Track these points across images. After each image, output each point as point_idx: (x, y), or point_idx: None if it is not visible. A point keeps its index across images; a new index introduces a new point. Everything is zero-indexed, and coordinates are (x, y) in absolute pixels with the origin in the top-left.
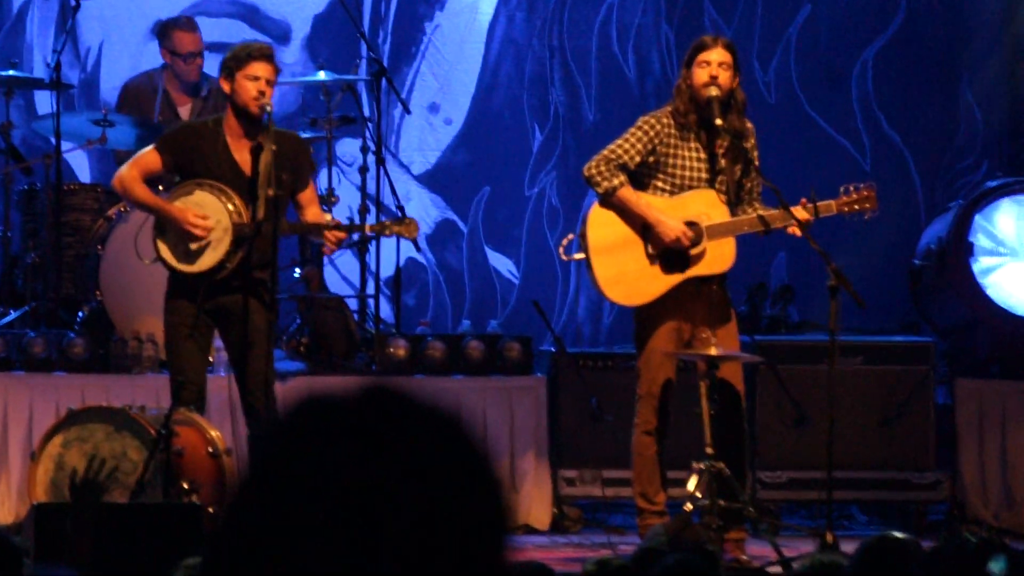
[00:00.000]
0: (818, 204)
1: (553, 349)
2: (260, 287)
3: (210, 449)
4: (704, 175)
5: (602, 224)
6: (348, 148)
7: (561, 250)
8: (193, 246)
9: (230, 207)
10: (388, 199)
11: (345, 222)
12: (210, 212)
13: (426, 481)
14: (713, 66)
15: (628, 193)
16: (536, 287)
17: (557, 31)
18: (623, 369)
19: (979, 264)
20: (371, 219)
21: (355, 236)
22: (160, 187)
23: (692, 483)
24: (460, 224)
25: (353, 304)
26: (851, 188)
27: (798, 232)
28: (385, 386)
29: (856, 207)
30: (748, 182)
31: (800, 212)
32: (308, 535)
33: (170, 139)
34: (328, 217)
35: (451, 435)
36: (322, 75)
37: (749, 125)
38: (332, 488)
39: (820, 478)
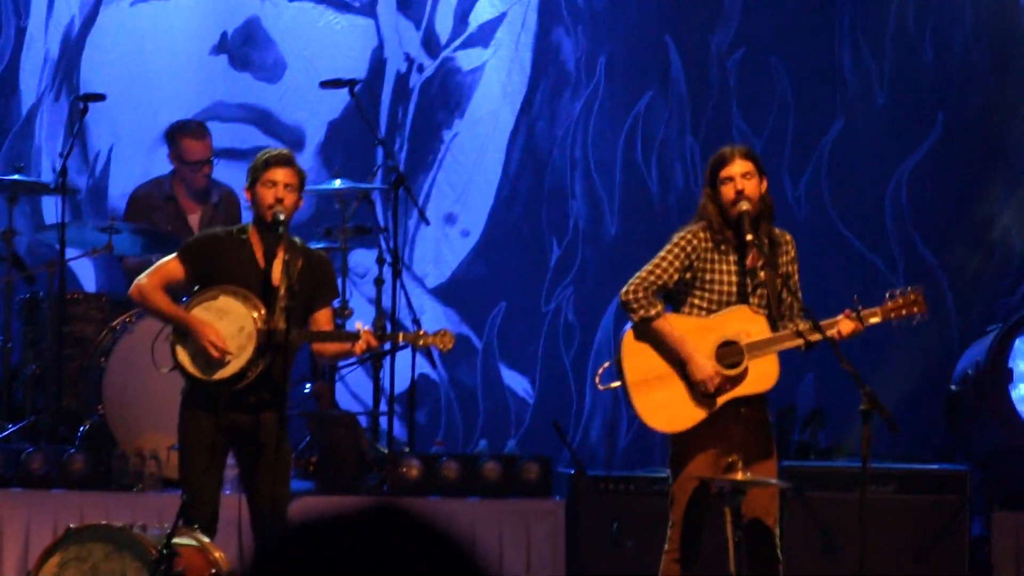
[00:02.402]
0: (863, 312)
1: (571, 471)
2: (275, 405)
3: (213, 571)
4: (740, 290)
5: (638, 354)
6: (361, 259)
7: (597, 379)
8: (215, 354)
9: (255, 314)
10: (403, 312)
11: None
12: (234, 318)
13: None
14: (737, 180)
15: (663, 324)
16: (551, 407)
17: (581, 141)
18: (645, 493)
19: (1019, 391)
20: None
21: (386, 346)
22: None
23: None
24: (475, 340)
25: (363, 421)
26: (897, 293)
27: (846, 332)
28: (393, 507)
29: (904, 312)
30: (788, 295)
31: (846, 324)
32: None
33: (192, 248)
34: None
35: (460, 560)
36: (338, 183)
37: (788, 236)
38: None
39: None
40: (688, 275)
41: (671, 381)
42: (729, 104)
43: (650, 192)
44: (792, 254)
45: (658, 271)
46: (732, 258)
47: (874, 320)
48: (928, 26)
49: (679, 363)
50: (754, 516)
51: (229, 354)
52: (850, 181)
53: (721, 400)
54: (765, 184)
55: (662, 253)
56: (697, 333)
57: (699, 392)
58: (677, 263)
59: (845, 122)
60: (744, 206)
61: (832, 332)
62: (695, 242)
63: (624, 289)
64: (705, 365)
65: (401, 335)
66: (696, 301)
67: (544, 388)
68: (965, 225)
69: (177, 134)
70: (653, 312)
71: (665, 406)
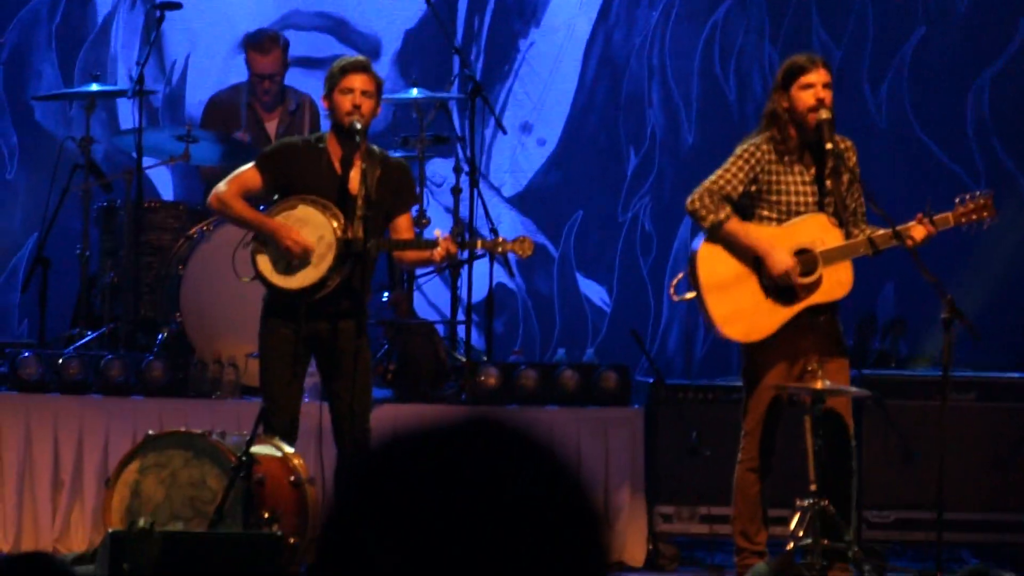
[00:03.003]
0: (935, 217)
1: (650, 380)
2: (354, 313)
3: (292, 478)
4: (811, 199)
5: (712, 260)
6: (437, 168)
7: (672, 290)
8: (295, 261)
9: (335, 223)
10: (479, 221)
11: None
12: (314, 227)
13: (525, 515)
14: (818, 88)
15: (736, 225)
16: (628, 316)
17: (658, 50)
18: (723, 402)
19: None
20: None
21: (464, 254)
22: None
23: (795, 521)
24: (551, 249)
25: (441, 330)
26: (967, 197)
27: (919, 237)
28: (488, 418)
29: (974, 216)
30: (852, 202)
31: (917, 229)
32: (400, 568)
33: (270, 156)
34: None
35: (552, 469)
36: (415, 92)
37: (849, 142)
38: (425, 519)
39: (929, 519)
40: (754, 187)
41: (747, 284)
42: (809, 12)
43: (728, 101)
44: (854, 160)
45: (722, 181)
46: (798, 167)
47: (945, 224)
48: None
49: (756, 261)
50: (829, 423)
51: (312, 252)
52: (931, 89)
53: (797, 308)
54: None
55: (726, 164)
56: (771, 240)
57: (778, 290)
58: (741, 175)
59: (926, 30)
60: (825, 114)
61: (906, 239)
62: (758, 154)
63: (689, 198)
64: (784, 258)
65: (480, 241)
66: (766, 212)
67: (621, 297)
68: None
69: (246, 46)
70: (722, 215)
71: (740, 314)
